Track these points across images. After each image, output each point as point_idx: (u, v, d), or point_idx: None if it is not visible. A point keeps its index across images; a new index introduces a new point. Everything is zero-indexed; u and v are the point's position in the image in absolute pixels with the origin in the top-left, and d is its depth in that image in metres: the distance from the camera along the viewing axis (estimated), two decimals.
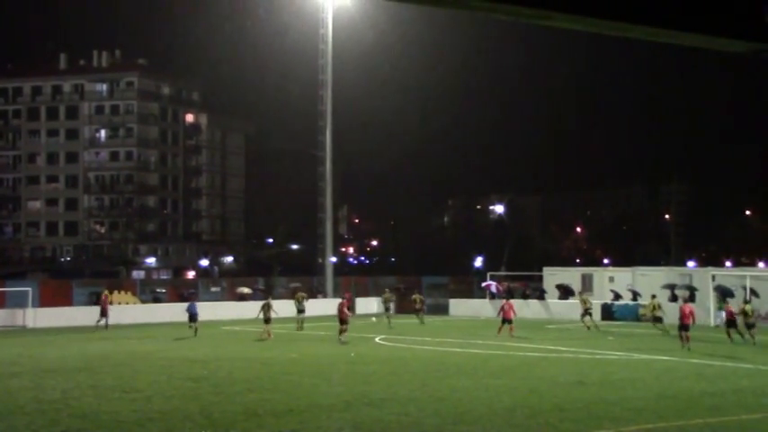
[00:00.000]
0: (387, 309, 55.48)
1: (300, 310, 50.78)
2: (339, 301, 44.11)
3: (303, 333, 48.41)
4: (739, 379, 28.72)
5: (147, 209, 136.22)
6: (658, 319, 45.46)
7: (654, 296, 48.05)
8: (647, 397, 24.61)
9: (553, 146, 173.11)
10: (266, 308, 45.09)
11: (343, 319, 41.91)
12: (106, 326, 51.55)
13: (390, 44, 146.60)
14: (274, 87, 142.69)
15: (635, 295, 57.56)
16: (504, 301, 47.50)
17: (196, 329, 46.69)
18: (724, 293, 52.94)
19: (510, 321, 44.54)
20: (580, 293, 53.75)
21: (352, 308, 48.24)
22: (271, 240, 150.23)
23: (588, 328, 48.03)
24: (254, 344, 42.28)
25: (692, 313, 38.68)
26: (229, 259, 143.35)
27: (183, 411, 22.38)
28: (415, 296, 58.17)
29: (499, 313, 46.05)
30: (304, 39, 76.65)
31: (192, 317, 47.65)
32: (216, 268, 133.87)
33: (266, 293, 59.46)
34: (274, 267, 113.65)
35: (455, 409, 22.50)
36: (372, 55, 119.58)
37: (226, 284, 71.17)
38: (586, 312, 49.27)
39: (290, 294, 67.60)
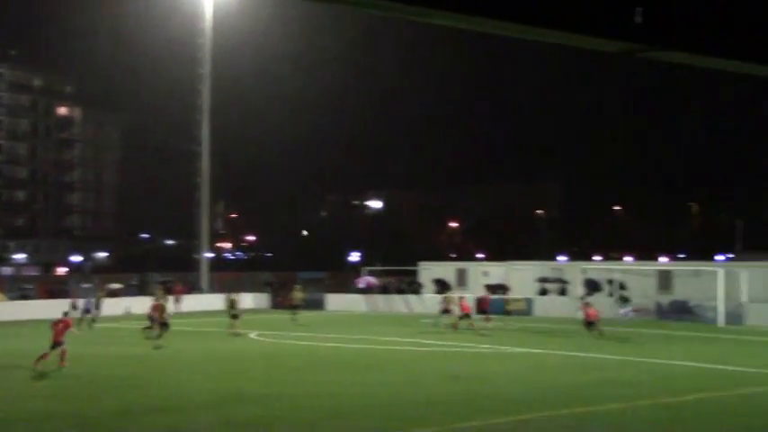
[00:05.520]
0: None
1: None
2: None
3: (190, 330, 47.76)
4: (605, 370, 29.60)
5: (16, 203, 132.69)
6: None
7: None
8: (517, 389, 25.20)
9: (429, 141, 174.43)
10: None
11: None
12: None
13: (270, 38, 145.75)
14: (151, 81, 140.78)
15: (503, 289, 58.77)
16: (456, 296, 47.02)
17: (91, 321, 48.46)
18: (592, 287, 54.53)
19: (469, 316, 43.96)
20: (442, 292, 53.72)
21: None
22: (146, 236, 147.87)
23: (434, 325, 46.70)
24: (127, 341, 41.63)
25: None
26: (103, 255, 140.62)
27: (52, 410, 21.97)
28: (297, 291, 54.31)
29: (445, 310, 45.82)
30: (182, 32, 75.73)
31: (86, 311, 49.63)
32: (89, 264, 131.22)
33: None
34: (149, 263, 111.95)
35: (330, 403, 22.65)
36: (251, 49, 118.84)
37: (98, 280, 69.77)
38: (444, 311, 47.27)
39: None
